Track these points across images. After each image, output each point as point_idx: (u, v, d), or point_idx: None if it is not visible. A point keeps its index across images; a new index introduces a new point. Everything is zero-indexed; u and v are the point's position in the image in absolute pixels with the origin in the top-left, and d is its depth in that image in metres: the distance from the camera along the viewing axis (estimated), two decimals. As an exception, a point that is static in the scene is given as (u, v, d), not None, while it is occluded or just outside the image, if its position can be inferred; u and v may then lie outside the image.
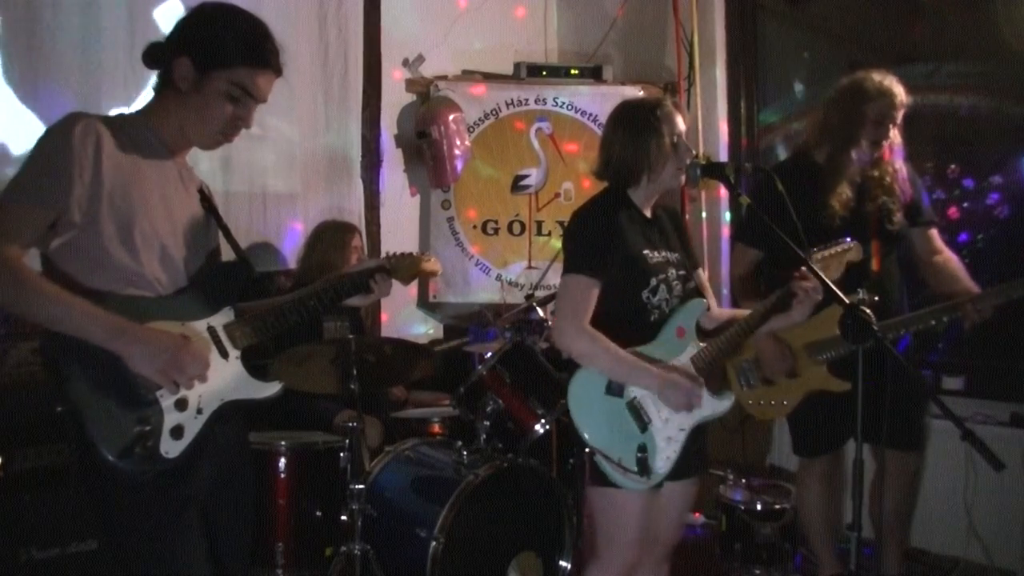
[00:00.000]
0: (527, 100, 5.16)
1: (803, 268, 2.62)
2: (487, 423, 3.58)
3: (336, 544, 3.36)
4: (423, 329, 5.33)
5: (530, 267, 5.16)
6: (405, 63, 5.13)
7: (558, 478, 3.59)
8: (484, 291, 5.14)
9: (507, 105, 5.15)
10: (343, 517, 3.26)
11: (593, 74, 5.23)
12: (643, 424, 2.62)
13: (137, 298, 2.16)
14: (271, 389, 2.42)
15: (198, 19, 2.26)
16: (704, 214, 5.04)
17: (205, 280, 2.32)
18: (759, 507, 3.73)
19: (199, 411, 2.20)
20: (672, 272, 2.75)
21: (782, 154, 5.10)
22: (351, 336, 3.48)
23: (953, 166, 4.31)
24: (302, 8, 4.73)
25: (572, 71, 5.27)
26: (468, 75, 5.25)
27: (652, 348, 2.68)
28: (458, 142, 4.93)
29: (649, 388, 2.62)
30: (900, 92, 3.30)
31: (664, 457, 2.63)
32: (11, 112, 3.69)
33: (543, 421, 3.59)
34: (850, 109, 3.33)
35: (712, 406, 2.72)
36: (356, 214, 4.92)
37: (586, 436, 2.60)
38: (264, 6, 4.56)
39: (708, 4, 5.04)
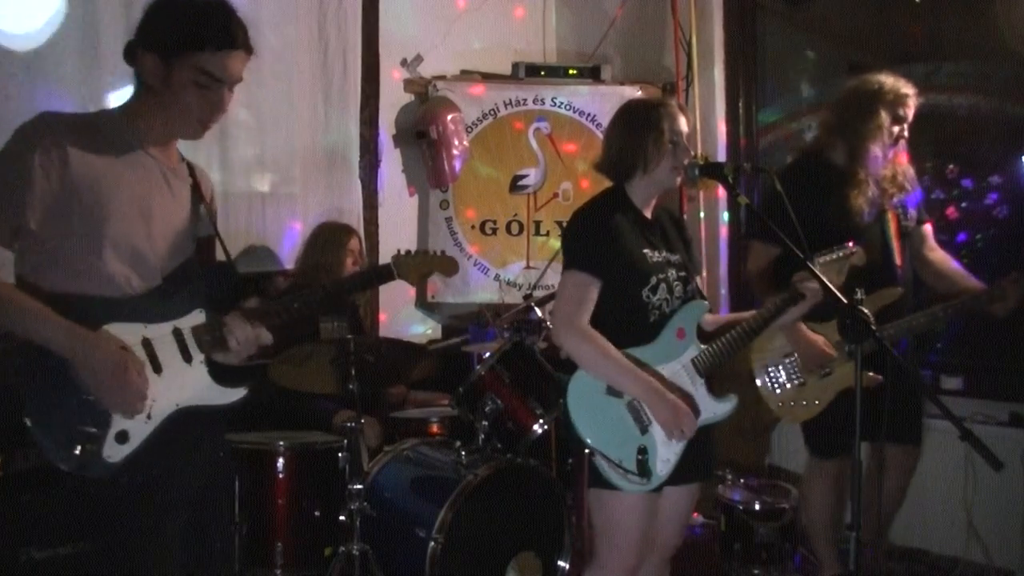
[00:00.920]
0: (526, 100, 5.16)
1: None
2: (486, 423, 3.58)
3: (335, 544, 3.36)
4: (422, 329, 5.33)
5: (528, 267, 5.16)
6: (404, 63, 5.13)
7: (557, 478, 3.59)
8: (483, 291, 5.14)
9: (506, 105, 5.15)
10: (342, 517, 3.26)
11: (592, 74, 5.23)
12: (643, 426, 2.61)
13: (97, 298, 2.13)
14: (234, 395, 2.33)
15: (156, 10, 2.19)
16: (703, 214, 5.04)
17: (180, 281, 2.27)
18: (758, 507, 3.73)
19: (148, 417, 2.15)
20: (672, 273, 2.74)
21: (782, 154, 5.10)
22: (350, 336, 3.49)
23: (952, 166, 4.32)
24: (301, 8, 4.72)
25: (571, 71, 5.27)
26: (467, 75, 5.24)
27: (650, 349, 2.67)
28: (456, 142, 4.93)
29: (636, 396, 2.60)
30: (913, 94, 3.35)
31: (663, 460, 2.62)
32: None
33: (542, 421, 3.59)
34: (867, 110, 3.35)
35: (713, 409, 2.71)
36: (355, 214, 4.92)
37: (585, 437, 2.59)
38: (263, 6, 4.59)
39: (707, 4, 5.04)
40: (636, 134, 2.71)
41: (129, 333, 2.16)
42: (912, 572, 4.03)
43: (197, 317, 2.27)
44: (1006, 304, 3.22)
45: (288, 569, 3.41)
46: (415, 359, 3.74)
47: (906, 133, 3.37)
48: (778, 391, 3.47)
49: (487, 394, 3.61)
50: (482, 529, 3.36)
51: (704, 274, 4.92)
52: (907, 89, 3.34)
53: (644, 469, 2.58)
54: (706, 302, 2.79)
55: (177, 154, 2.38)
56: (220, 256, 2.50)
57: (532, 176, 5.16)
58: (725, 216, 5.06)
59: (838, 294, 2.44)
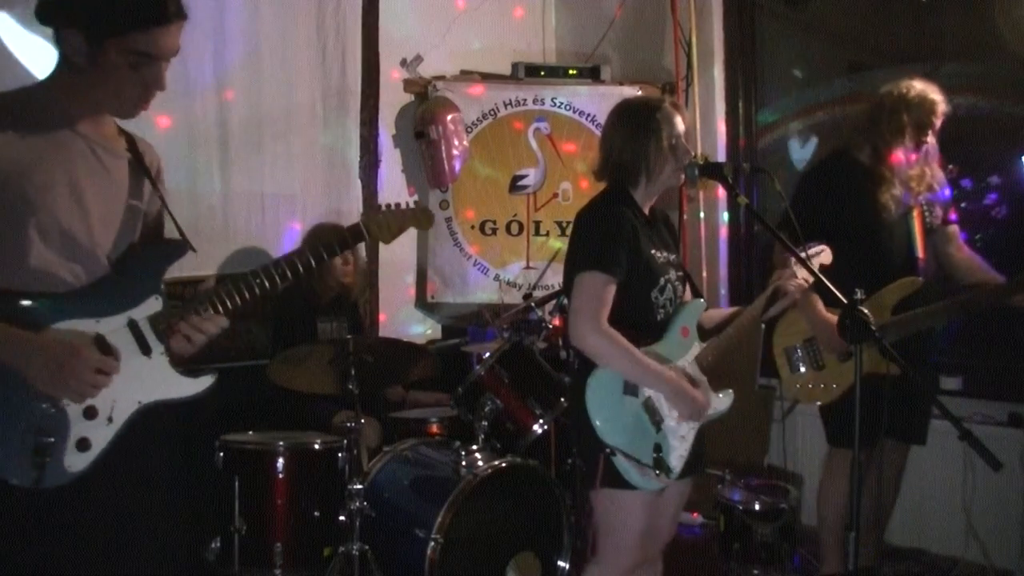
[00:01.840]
0: (525, 100, 5.16)
1: (790, 263, 2.73)
2: (486, 423, 3.58)
3: (334, 544, 3.36)
4: (421, 329, 5.33)
5: (528, 267, 5.15)
6: (403, 63, 5.12)
7: (556, 478, 3.59)
8: (482, 291, 5.14)
9: (505, 105, 5.15)
10: (341, 517, 3.26)
11: (591, 74, 5.23)
12: (657, 423, 2.63)
13: (36, 296, 1.98)
14: (200, 385, 2.22)
15: None
16: (702, 214, 5.04)
17: (131, 266, 2.12)
18: (758, 507, 3.73)
19: (110, 420, 2.03)
20: (673, 273, 2.76)
21: (781, 154, 5.11)
22: (349, 336, 3.49)
23: (952, 166, 4.31)
24: (300, 8, 4.72)
25: (570, 71, 5.27)
26: (466, 75, 5.24)
27: (659, 347, 2.70)
28: (456, 142, 4.93)
29: (660, 391, 2.63)
30: (941, 100, 3.40)
31: (678, 455, 2.65)
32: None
33: (541, 421, 3.59)
34: (892, 115, 3.41)
35: (719, 404, 2.76)
36: (354, 214, 4.91)
37: (607, 438, 2.58)
38: (262, 6, 4.60)
39: (706, 4, 5.04)
40: (637, 141, 2.70)
41: (79, 330, 2.01)
42: (911, 572, 4.03)
43: (153, 305, 2.12)
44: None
45: (288, 569, 3.41)
46: (414, 359, 3.74)
47: (930, 139, 3.42)
48: (798, 373, 3.51)
49: (486, 394, 3.61)
50: (481, 529, 3.36)
51: (704, 274, 4.93)
52: (934, 96, 3.39)
53: (662, 465, 2.60)
54: (703, 301, 2.82)
55: (113, 127, 2.19)
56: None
57: (532, 176, 5.16)
58: (725, 216, 5.05)
59: (838, 294, 2.44)
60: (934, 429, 3.61)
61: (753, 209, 2.82)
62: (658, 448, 2.61)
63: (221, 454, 3.48)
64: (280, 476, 3.45)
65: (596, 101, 5.12)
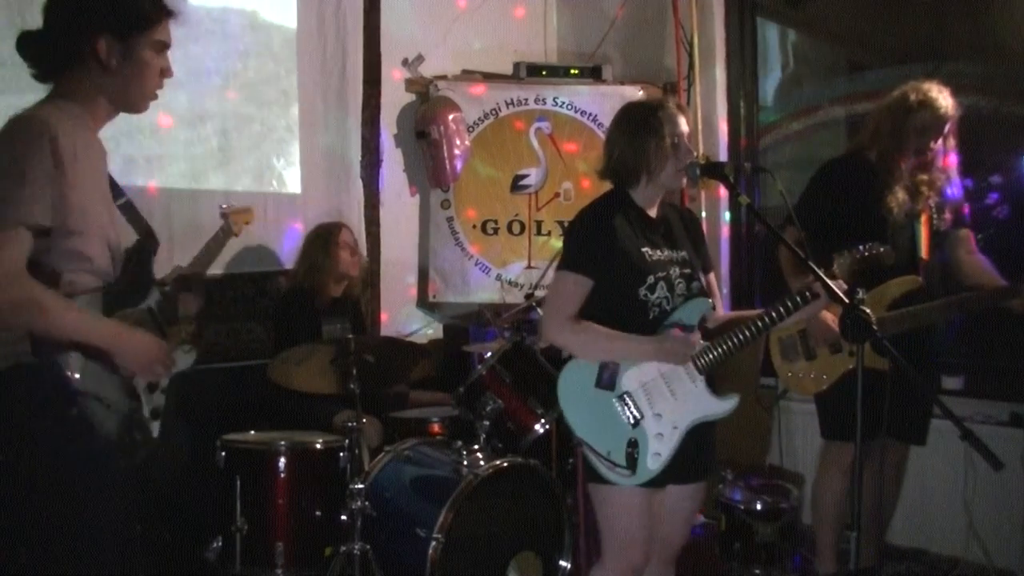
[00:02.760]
0: (527, 100, 5.16)
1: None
2: (487, 423, 3.58)
3: (336, 544, 3.36)
4: (421, 328, 5.32)
5: (530, 267, 5.16)
6: (404, 63, 5.13)
7: (558, 478, 3.59)
8: (484, 291, 5.14)
9: (507, 105, 5.15)
10: (343, 517, 3.26)
11: (592, 74, 5.23)
12: (634, 419, 2.63)
13: (103, 288, 2.21)
14: (190, 359, 2.50)
15: None
16: (704, 214, 5.04)
17: (132, 261, 2.33)
18: (759, 507, 3.73)
19: (163, 391, 2.38)
20: (675, 271, 2.74)
21: (782, 154, 5.11)
22: (350, 336, 3.49)
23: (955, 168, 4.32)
24: (301, 8, 4.73)
25: (572, 71, 5.27)
26: (467, 75, 5.24)
27: None
28: (458, 142, 4.93)
29: (646, 356, 2.63)
30: (946, 104, 3.40)
31: (654, 453, 2.63)
32: None
33: (543, 421, 3.59)
34: (896, 119, 3.44)
35: (714, 406, 2.71)
36: (356, 214, 4.92)
37: (575, 429, 2.63)
38: (263, 6, 4.60)
39: (707, 4, 5.04)
40: (638, 140, 2.71)
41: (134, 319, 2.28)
42: (912, 572, 4.03)
43: (155, 295, 2.37)
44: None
45: (289, 569, 3.41)
46: (416, 359, 3.75)
47: (933, 144, 3.42)
48: (790, 362, 3.56)
49: (487, 394, 3.61)
50: (482, 529, 3.36)
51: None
52: (939, 100, 3.39)
53: (632, 463, 2.60)
54: (708, 300, 2.79)
55: None
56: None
57: (533, 176, 5.16)
58: (726, 216, 5.06)
59: (839, 293, 2.44)
60: (935, 429, 3.61)
61: (754, 209, 2.81)
62: (633, 444, 2.61)
63: (222, 454, 3.49)
64: (281, 476, 3.45)
65: (597, 101, 5.13)
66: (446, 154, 4.91)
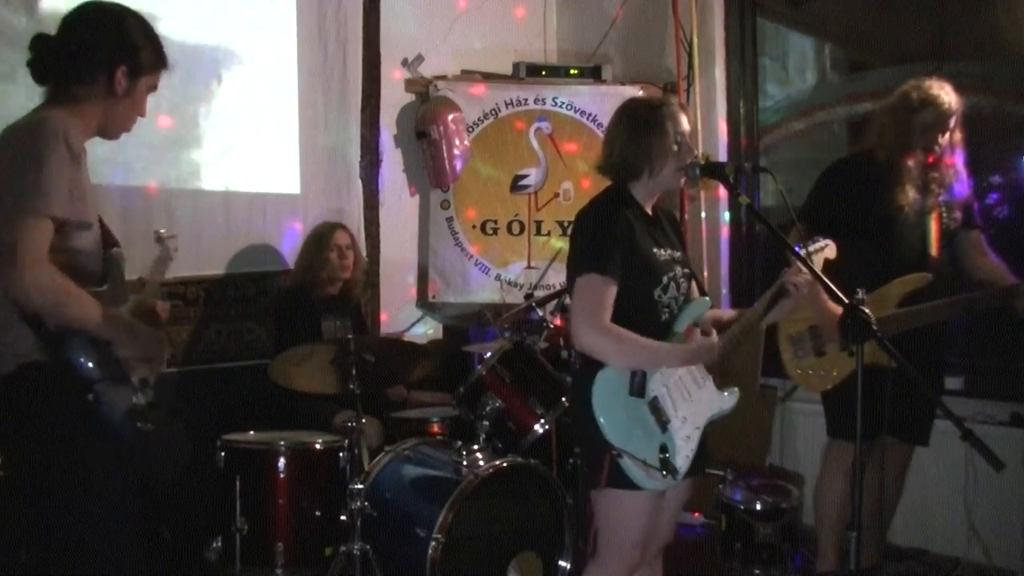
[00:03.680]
0: (526, 100, 5.16)
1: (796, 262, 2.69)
2: (487, 423, 3.58)
3: (336, 544, 3.36)
4: (422, 329, 5.32)
5: (529, 267, 5.15)
6: (404, 63, 5.12)
7: (558, 478, 3.59)
8: (483, 291, 5.13)
9: (506, 105, 5.15)
10: (342, 517, 3.27)
11: (592, 74, 5.23)
12: (663, 424, 2.63)
13: (95, 292, 2.31)
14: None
15: (127, 29, 2.40)
16: (703, 214, 5.04)
17: (109, 268, 2.45)
18: (759, 507, 3.73)
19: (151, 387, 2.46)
20: (678, 270, 2.74)
21: (783, 154, 5.11)
22: (350, 336, 3.49)
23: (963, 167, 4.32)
24: (301, 8, 4.73)
25: (571, 71, 5.27)
26: (467, 75, 5.24)
27: None
28: (457, 142, 4.93)
29: (678, 363, 2.66)
30: (948, 101, 3.39)
31: (683, 456, 2.65)
32: None
33: (543, 421, 3.59)
34: (900, 119, 3.44)
35: (723, 402, 2.76)
36: (355, 214, 4.92)
37: (613, 439, 2.57)
38: (263, 6, 4.59)
39: (708, 4, 5.04)
40: (640, 137, 2.69)
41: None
42: (913, 572, 4.03)
43: (131, 300, 2.54)
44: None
45: (289, 569, 3.42)
46: (416, 359, 3.75)
47: (941, 141, 3.41)
48: (799, 359, 3.56)
49: (488, 394, 3.61)
50: (483, 529, 3.36)
51: (705, 274, 4.93)
52: (941, 98, 3.38)
53: (668, 466, 2.59)
54: (708, 299, 2.81)
55: None
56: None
57: (533, 176, 5.16)
58: (726, 216, 5.05)
59: (839, 293, 2.44)
60: (936, 429, 3.61)
61: (754, 209, 2.82)
62: (664, 449, 2.60)
63: (222, 454, 3.49)
64: (281, 476, 3.46)
65: (597, 101, 5.12)
66: (446, 154, 4.91)
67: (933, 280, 3.39)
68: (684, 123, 2.73)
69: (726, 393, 2.78)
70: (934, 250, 3.48)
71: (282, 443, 3.49)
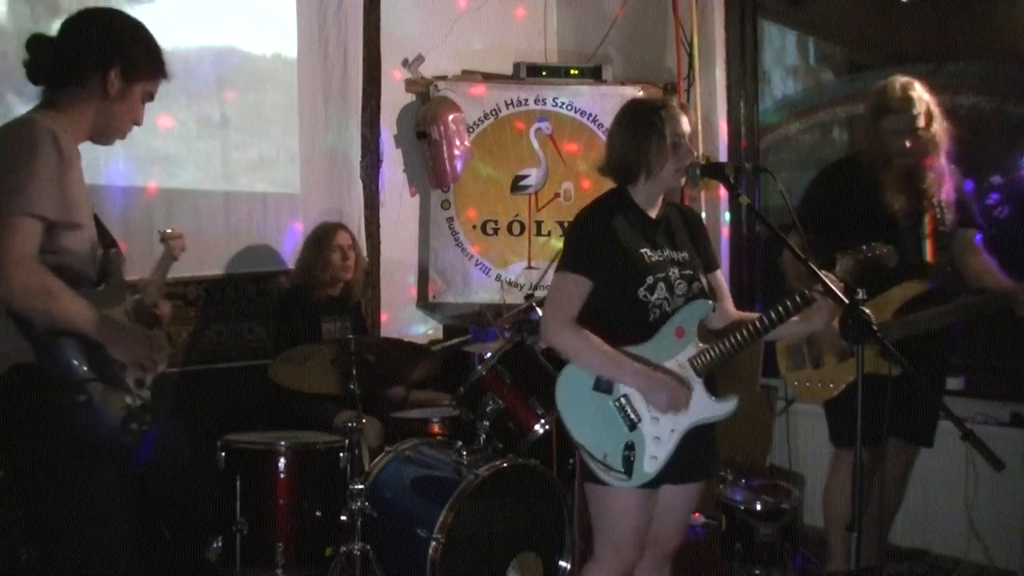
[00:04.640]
0: (527, 100, 5.16)
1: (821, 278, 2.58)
2: (487, 423, 3.58)
3: (336, 544, 3.36)
4: (423, 329, 5.33)
5: (530, 267, 5.15)
6: (405, 63, 5.12)
7: (558, 478, 3.59)
8: (484, 291, 5.14)
9: (507, 105, 5.15)
10: (343, 517, 3.26)
11: (593, 74, 5.23)
12: (631, 422, 2.62)
13: (89, 291, 2.31)
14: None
15: (120, 31, 2.40)
16: (703, 214, 5.04)
17: (107, 270, 2.45)
18: (759, 507, 3.73)
19: (148, 387, 2.43)
20: (675, 271, 2.73)
21: (783, 154, 5.11)
22: (351, 336, 3.49)
23: (953, 166, 4.31)
24: (301, 8, 4.73)
25: (572, 71, 5.27)
26: (468, 75, 5.24)
27: (646, 348, 2.66)
28: (458, 142, 4.93)
29: (632, 386, 2.62)
30: (918, 99, 3.34)
31: (650, 457, 2.62)
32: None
33: (543, 421, 3.59)
34: (870, 125, 3.42)
35: (712, 409, 2.69)
36: (356, 214, 4.92)
37: (572, 432, 2.63)
38: (263, 6, 4.59)
39: (708, 4, 5.04)
40: (639, 138, 2.70)
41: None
42: (913, 572, 4.03)
43: (130, 300, 2.55)
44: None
45: (289, 569, 3.42)
46: (416, 359, 3.75)
47: (914, 144, 3.35)
48: (797, 370, 3.55)
49: (488, 394, 3.61)
50: (483, 529, 3.36)
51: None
52: (909, 97, 3.32)
53: (629, 466, 2.59)
54: (709, 301, 2.76)
55: None
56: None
57: (533, 176, 5.16)
58: (726, 216, 5.05)
59: (839, 294, 2.44)
60: (937, 429, 3.61)
61: (755, 209, 2.81)
62: (630, 447, 2.60)
63: (223, 454, 3.49)
64: (282, 476, 3.46)
65: (598, 101, 5.12)
66: (446, 154, 4.91)
67: (934, 285, 3.35)
68: (684, 124, 2.73)
69: (720, 400, 2.70)
70: (930, 255, 3.42)
71: (282, 443, 3.49)
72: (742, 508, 3.74)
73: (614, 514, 2.68)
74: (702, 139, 4.96)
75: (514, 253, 5.17)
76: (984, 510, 3.90)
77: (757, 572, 3.72)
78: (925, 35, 4.57)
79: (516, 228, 5.17)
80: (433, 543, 3.20)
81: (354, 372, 3.37)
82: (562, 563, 3.52)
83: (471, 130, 5.08)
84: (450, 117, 4.89)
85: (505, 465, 3.41)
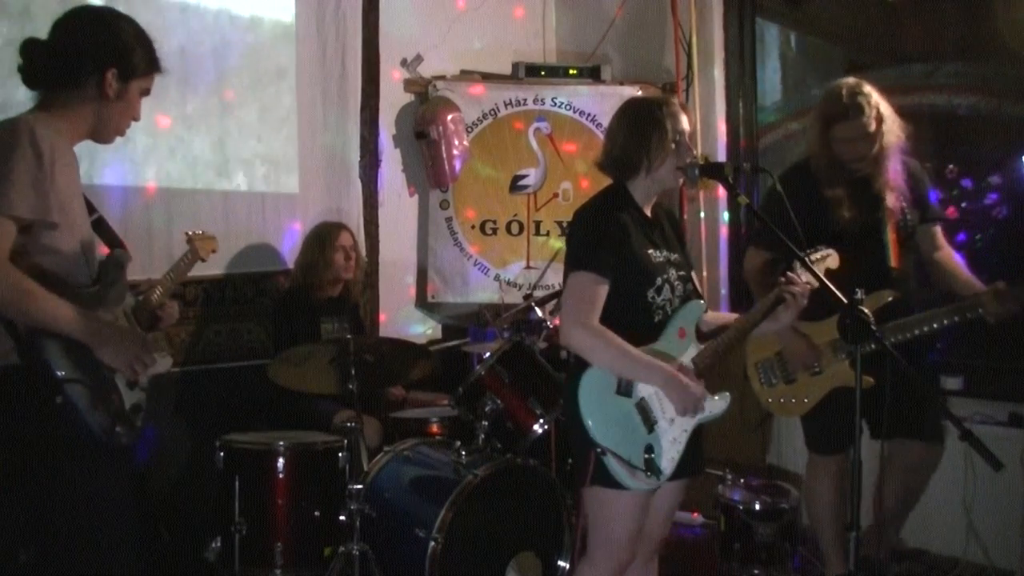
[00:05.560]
0: (526, 100, 5.16)
1: (788, 272, 2.67)
2: (486, 423, 3.58)
3: (335, 544, 3.36)
4: (422, 329, 5.33)
5: (528, 267, 5.16)
6: (404, 63, 5.13)
7: (557, 478, 3.59)
8: (483, 291, 5.14)
9: (506, 105, 5.15)
10: (342, 517, 3.26)
11: (592, 74, 5.23)
12: (650, 425, 2.62)
13: (87, 289, 2.33)
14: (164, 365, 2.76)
15: (114, 31, 2.40)
16: (703, 214, 5.04)
17: (107, 271, 2.45)
18: (758, 507, 3.73)
19: (143, 388, 2.44)
20: (673, 272, 2.74)
21: (783, 154, 5.11)
22: (350, 336, 3.49)
23: (952, 166, 4.31)
24: (300, 8, 4.73)
25: (571, 71, 5.27)
26: (467, 75, 5.24)
27: (655, 348, 2.67)
28: (457, 142, 4.93)
29: (654, 383, 2.61)
30: (866, 103, 3.25)
31: (669, 458, 2.63)
32: None
33: (542, 421, 3.59)
34: (820, 131, 3.36)
35: (711, 407, 2.71)
36: (355, 214, 4.92)
37: (597, 437, 2.57)
38: (263, 6, 4.59)
39: (707, 4, 5.04)
40: (640, 133, 2.70)
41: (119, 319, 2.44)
42: (912, 572, 4.03)
43: (131, 300, 2.55)
44: (997, 312, 3.17)
45: (288, 569, 3.41)
46: (415, 359, 3.75)
47: (865, 150, 3.27)
48: (770, 387, 3.52)
49: (487, 394, 3.61)
50: (482, 529, 3.36)
51: (704, 274, 4.93)
52: (857, 103, 3.24)
53: (652, 467, 2.59)
54: (704, 301, 2.79)
55: None
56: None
57: (532, 176, 5.16)
58: (725, 216, 5.05)
59: (839, 294, 2.44)
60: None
61: (754, 209, 2.81)
62: (649, 449, 2.60)
63: (222, 454, 3.49)
64: (280, 476, 3.45)
65: (597, 101, 5.13)
66: (445, 154, 4.91)
67: (902, 293, 3.28)
68: (684, 122, 2.73)
69: (717, 397, 2.73)
70: (894, 260, 3.36)
71: (281, 443, 3.49)
72: (741, 508, 3.74)
73: (617, 517, 2.67)
74: (701, 139, 4.96)
75: (513, 253, 5.17)
76: (983, 510, 3.90)
77: (756, 572, 3.72)
78: (924, 35, 4.57)
79: (515, 228, 5.17)
80: (432, 543, 3.20)
81: (353, 372, 3.38)
82: (561, 563, 3.52)
83: (470, 130, 5.08)
84: (449, 117, 4.90)
85: (504, 465, 3.41)
